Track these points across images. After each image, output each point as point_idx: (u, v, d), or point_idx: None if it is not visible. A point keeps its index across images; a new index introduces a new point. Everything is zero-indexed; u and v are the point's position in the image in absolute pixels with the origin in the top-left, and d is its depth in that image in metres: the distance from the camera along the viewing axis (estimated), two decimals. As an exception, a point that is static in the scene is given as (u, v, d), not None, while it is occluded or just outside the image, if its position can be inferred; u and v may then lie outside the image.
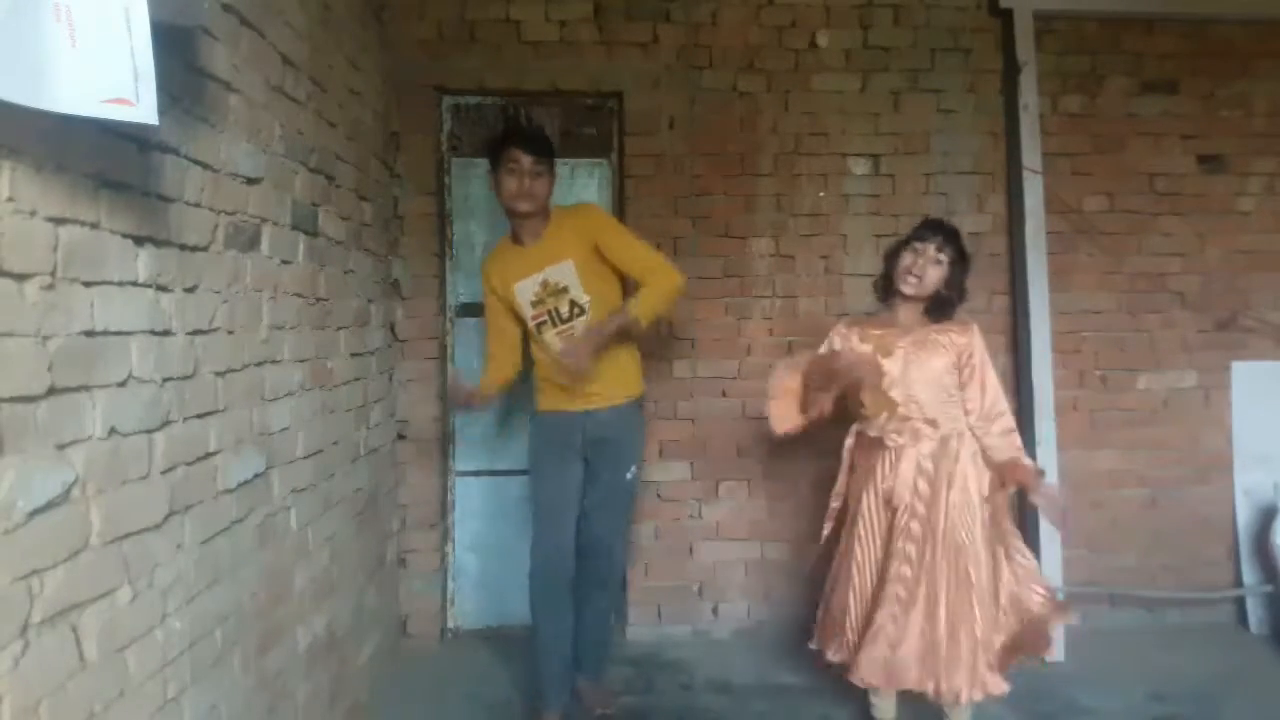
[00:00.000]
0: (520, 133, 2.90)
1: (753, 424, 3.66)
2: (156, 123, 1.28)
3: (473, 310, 3.71)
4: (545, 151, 2.80)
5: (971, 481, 2.52)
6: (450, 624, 3.72)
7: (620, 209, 3.66)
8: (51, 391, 1.28)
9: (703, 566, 3.68)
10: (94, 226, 1.39)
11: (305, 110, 2.41)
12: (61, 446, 1.31)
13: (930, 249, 2.59)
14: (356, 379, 2.92)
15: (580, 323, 2.81)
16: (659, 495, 3.63)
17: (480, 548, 3.74)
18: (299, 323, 2.34)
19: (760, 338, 3.66)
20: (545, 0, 3.57)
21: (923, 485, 2.54)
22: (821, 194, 3.68)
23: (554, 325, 2.83)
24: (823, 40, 3.67)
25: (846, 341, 2.68)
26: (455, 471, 3.75)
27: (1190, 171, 3.78)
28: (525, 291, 2.84)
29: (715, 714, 2.99)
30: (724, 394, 3.65)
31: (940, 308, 2.64)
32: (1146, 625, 3.71)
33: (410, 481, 3.56)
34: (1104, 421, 3.74)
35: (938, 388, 2.57)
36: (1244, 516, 3.75)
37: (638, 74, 3.60)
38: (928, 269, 2.58)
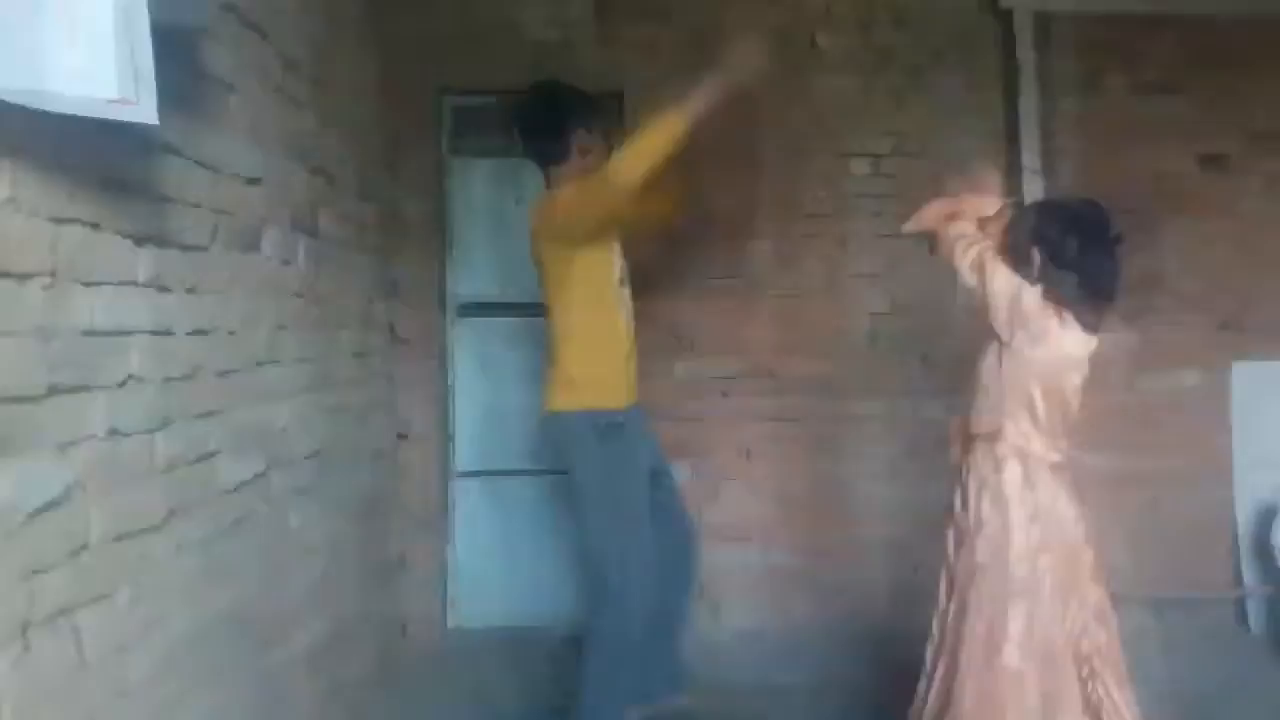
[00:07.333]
0: (586, 105, 2.77)
1: (753, 424, 3.66)
2: (156, 123, 1.28)
3: (473, 310, 3.71)
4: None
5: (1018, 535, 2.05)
6: (450, 624, 3.71)
7: (620, 209, 3.66)
8: (51, 391, 1.28)
9: (703, 568, 3.66)
10: (94, 226, 1.39)
11: (305, 110, 2.41)
12: (61, 446, 1.31)
13: None
14: (357, 379, 2.92)
15: (627, 292, 2.70)
16: (659, 495, 3.63)
17: (480, 548, 3.73)
18: (299, 323, 2.34)
19: (760, 338, 3.65)
20: (545, 0, 3.57)
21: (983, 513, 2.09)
22: (822, 194, 3.68)
23: (624, 285, 2.71)
24: (823, 40, 3.66)
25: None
26: (455, 472, 3.74)
27: (1191, 171, 3.77)
28: (616, 245, 2.70)
29: (716, 714, 2.99)
30: (724, 394, 3.64)
31: None
32: (1146, 625, 3.70)
33: (410, 481, 3.56)
34: (1104, 422, 3.73)
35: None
36: (1244, 516, 3.74)
37: (638, 74, 3.60)
38: None
